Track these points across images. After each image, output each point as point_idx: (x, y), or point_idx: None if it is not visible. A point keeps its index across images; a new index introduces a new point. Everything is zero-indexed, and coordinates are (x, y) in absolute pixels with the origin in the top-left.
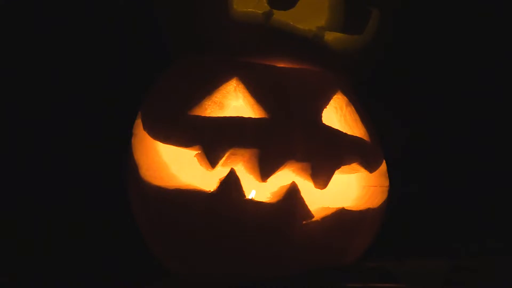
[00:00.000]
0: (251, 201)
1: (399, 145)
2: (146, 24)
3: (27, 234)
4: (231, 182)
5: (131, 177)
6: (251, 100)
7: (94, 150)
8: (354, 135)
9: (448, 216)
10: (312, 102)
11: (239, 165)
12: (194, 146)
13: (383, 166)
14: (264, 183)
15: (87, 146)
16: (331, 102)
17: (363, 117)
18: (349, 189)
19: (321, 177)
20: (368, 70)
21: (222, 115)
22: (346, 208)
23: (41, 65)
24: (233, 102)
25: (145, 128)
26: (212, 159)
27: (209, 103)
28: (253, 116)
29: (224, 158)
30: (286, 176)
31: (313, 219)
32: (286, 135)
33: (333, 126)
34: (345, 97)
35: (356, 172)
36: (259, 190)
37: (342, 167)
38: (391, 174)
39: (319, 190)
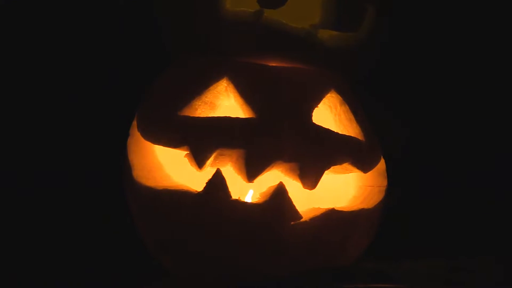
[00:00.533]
0: (237, 201)
1: (398, 145)
2: (150, 23)
3: (26, 234)
4: (217, 182)
5: (125, 178)
6: (240, 100)
7: (94, 150)
8: (348, 134)
9: (447, 216)
10: (303, 101)
11: (228, 165)
12: (182, 147)
13: (381, 166)
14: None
15: (87, 146)
16: (325, 101)
17: (359, 116)
18: (347, 189)
19: (309, 177)
20: (365, 68)
21: (214, 116)
22: (336, 208)
23: (46, 65)
24: (225, 102)
25: (138, 129)
26: (199, 160)
27: (199, 103)
28: (242, 116)
29: (211, 159)
30: (277, 176)
31: (302, 220)
32: (273, 135)
33: (328, 126)
34: (339, 96)
35: (350, 172)
36: (259, 190)
37: (332, 167)
38: (390, 174)
39: (315, 190)
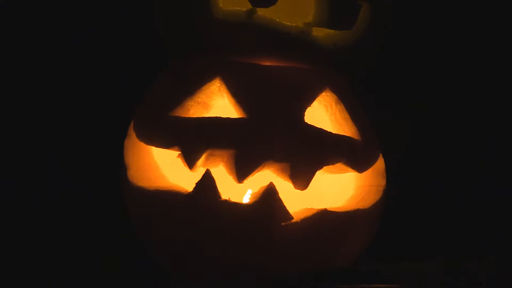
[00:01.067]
0: (227, 202)
1: (398, 145)
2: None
3: (26, 234)
4: (206, 183)
5: (121, 178)
6: (232, 100)
7: (94, 150)
8: (344, 133)
9: (447, 216)
10: (295, 101)
11: (220, 166)
12: (173, 147)
13: (379, 165)
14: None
15: (87, 146)
16: (320, 100)
17: (355, 115)
18: (346, 189)
19: (300, 177)
20: (362, 67)
21: (207, 116)
22: (329, 209)
23: (46, 65)
24: (219, 102)
25: (134, 129)
26: (189, 160)
27: (192, 103)
28: (235, 116)
29: (202, 159)
30: (269, 177)
31: (293, 221)
32: (264, 135)
33: (324, 125)
34: (334, 95)
35: (345, 172)
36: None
37: (325, 167)
38: (390, 174)
39: (314, 190)
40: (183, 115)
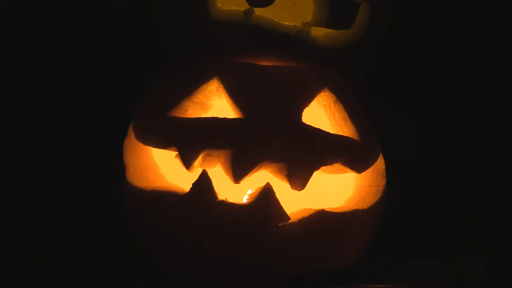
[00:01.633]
0: (223, 202)
1: (397, 144)
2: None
3: (25, 234)
4: (202, 183)
5: (120, 178)
6: (229, 100)
7: (94, 150)
8: (342, 133)
9: (447, 216)
10: (293, 101)
11: (217, 166)
12: (170, 148)
13: (379, 165)
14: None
15: (87, 146)
16: (319, 100)
17: (353, 115)
18: (346, 190)
19: (297, 178)
20: (362, 66)
21: (205, 116)
22: (327, 209)
23: (45, 65)
24: (218, 102)
25: (133, 129)
26: (186, 161)
27: (190, 103)
28: (233, 117)
29: (199, 160)
30: (267, 177)
31: (290, 221)
32: (260, 136)
33: (323, 125)
34: (332, 95)
35: (343, 172)
36: None
37: (323, 167)
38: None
39: (314, 191)
40: (181, 116)
